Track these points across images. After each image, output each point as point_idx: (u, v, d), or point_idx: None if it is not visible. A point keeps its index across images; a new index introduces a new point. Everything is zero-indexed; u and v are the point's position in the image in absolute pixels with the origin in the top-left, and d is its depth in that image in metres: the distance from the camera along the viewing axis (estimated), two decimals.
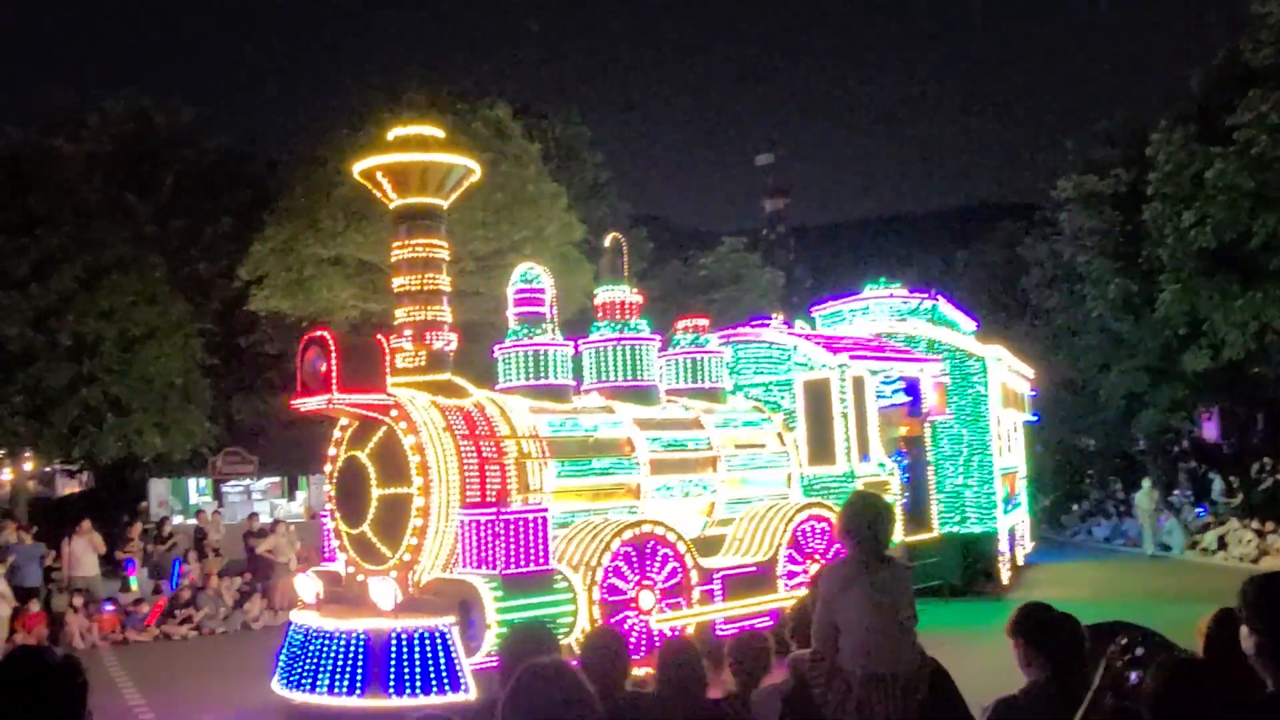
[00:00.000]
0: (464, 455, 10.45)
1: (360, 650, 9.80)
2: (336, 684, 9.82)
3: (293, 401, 10.76)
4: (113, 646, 16.41)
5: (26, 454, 24.88)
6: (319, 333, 10.42)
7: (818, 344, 13.80)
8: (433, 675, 9.61)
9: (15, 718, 2.18)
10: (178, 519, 24.43)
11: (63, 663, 2.33)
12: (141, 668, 14.14)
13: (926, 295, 17.57)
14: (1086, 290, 24.15)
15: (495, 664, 9.86)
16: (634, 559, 10.88)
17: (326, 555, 11.63)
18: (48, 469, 29.98)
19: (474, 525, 10.09)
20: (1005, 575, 17.32)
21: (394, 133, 11.30)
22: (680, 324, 14.01)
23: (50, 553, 18.26)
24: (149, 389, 23.57)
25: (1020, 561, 20.01)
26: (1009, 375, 18.61)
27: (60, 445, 23.50)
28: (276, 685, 10.40)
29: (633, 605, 10.79)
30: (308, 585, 10.94)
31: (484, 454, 10.60)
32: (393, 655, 9.66)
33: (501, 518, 10.02)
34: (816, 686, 4.37)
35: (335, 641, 9.98)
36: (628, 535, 10.85)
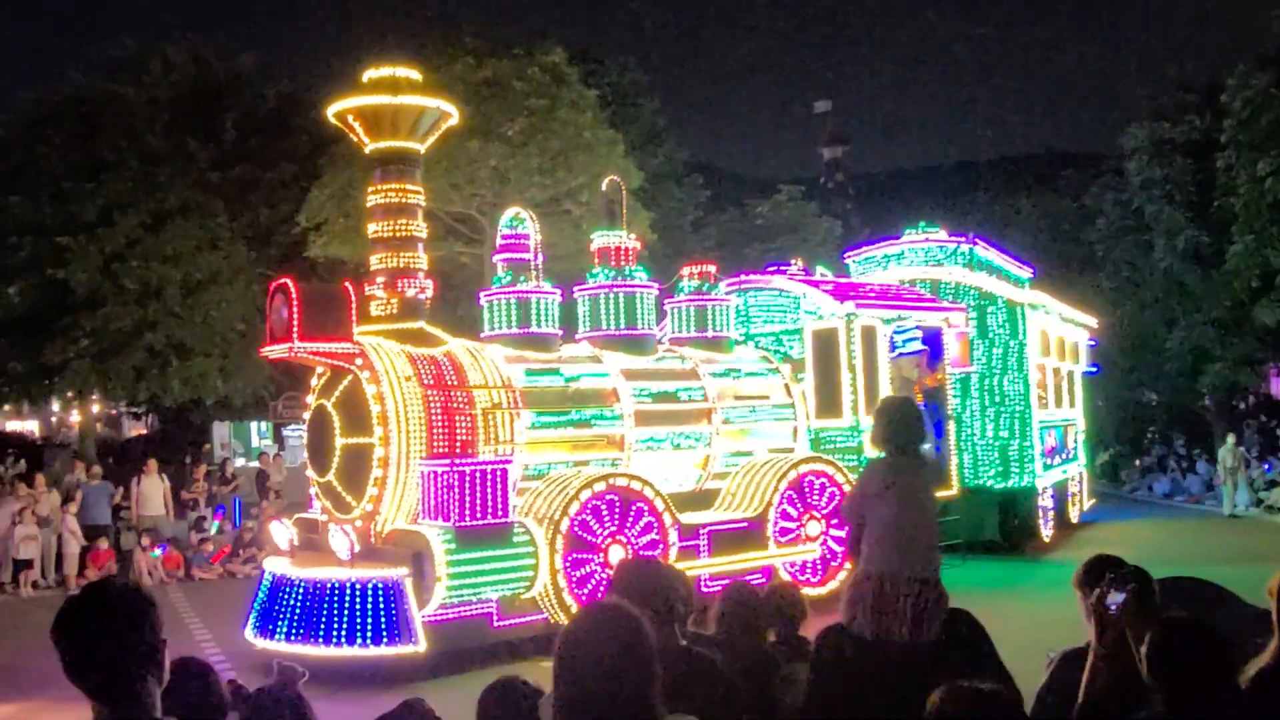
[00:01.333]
0: (429, 405, 10.27)
1: (315, 598, 9.78)
2: (293, 632, 9.84)
3: (261, 350, 10.73)
4: (178, 583, 16.89)
5: (94, 397, 25.76)
6: (283, 280, 10.32)
7: (826, 291, 13.16)
8: (384, 626, 9.54)
9: (95, 646, 2.23)
10: (240, 461, 25.06)
11: (136, 593, 2.36)
12: (206, 604, 14.46)
13: (964, 240, 16.67)
14: (1154, 241, 22.85)
15: (447, 617, 9.80)
16: (603, 513, 10.60)
17: (310, 504, 11.65)
18: (114, 411, 31.13)
19: (432, 476, 9.94)
20: (1047, 533, 16.55)
21: (367, 74, 11.04)
22: (685, 270, 13.54)
23: (118, 491, 18.83)
24: (211, 333, 24.09)
25: (1074, 518, 19.14)
26: (1057, 324, 17.64)
27: (126, 388, 24.24)
28: (248, 632, 10.45)
29: (602, 560, 10.53)
30: (282, 532, 10.98)
31: (451, 404, 10.41)
32: (345, 605, 9.62)
33: (456, 469, 9.83)
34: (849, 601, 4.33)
35: (295, 589, 9.99)
36: (598, 488, 10.56)
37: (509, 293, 11.75)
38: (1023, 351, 15.81)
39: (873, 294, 13.32)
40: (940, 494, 13.66)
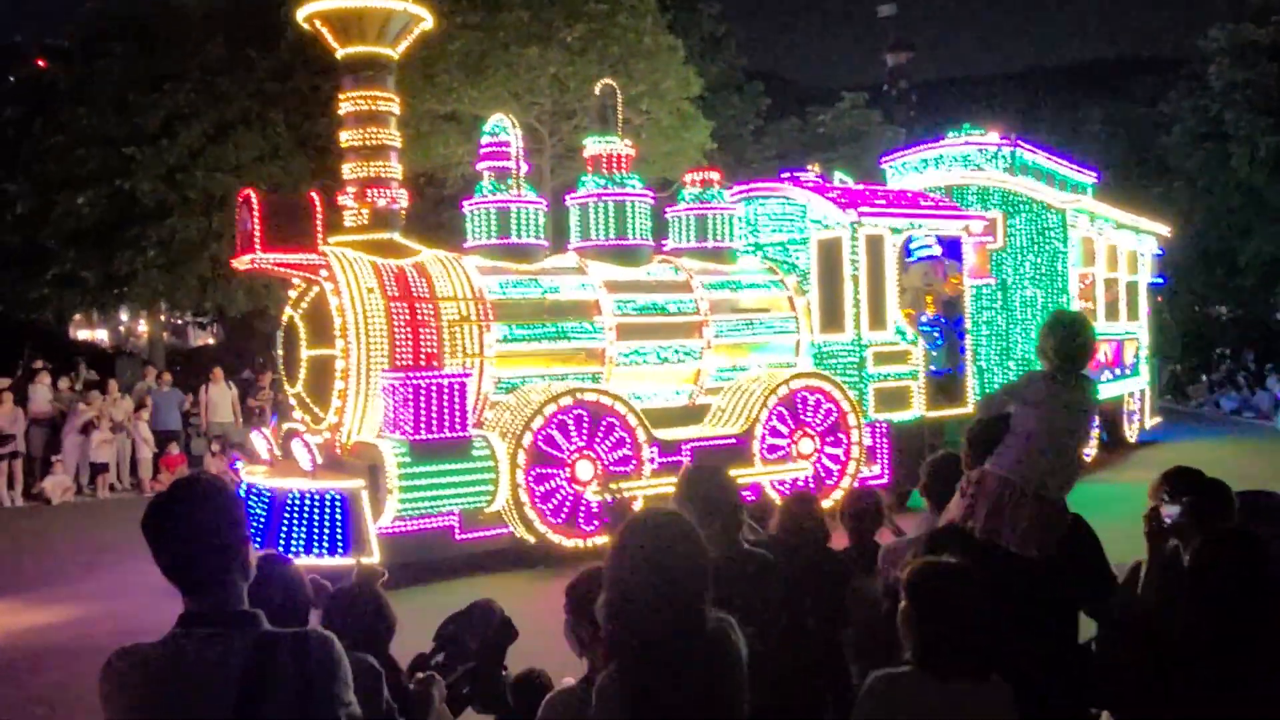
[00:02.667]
0: (393, 316, 10.17)
1: (277, 509, 9.88)
2: (257, 541, 9.99)
3: (232, 261, 10.74)
4: None
5: (161, 306, 26.51)
6: (246, 191, 10.27)
7: (830, 199, 12.52)
8: (339, 537, 9.61)
9: (186, 538, 2.35)
10: None
11: (224, 488, 2.48)
12: None
13: (1005, 141, 15.67)
14: (1232, 149, 21.17)
15: (404, 530, 9.82)
16: (570, 427, 10.41)
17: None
18: (181, 321, 32.01)
19: (391, 389, 9.88)
20: (1089, 453, 15.77)
21: None
22: (687, 177, 13.05)
23: (187, 399, 19.44)
24: None
25: (1130, 437, 18.24)
26: (1112, 232, 16.57)
27: (192, 298, 24.88)
28: None
29: (568, 475, 10.38)
30: (261, 443, 11.10)
31: (415, 316, 10.28)
32: (302, 515, 9.71)
33: (411, 382, 9.75)
34: (964, 499, 4.30)
35: (261, 499, 10.12)
36: (564, 402, 10.36)
37: (488, 203, 11.50)
38: (1064, 260, 14.93)
39: (880, 201, 12.61)
40: (953, 412, 13.12)
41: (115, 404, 18.01)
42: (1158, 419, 19.95)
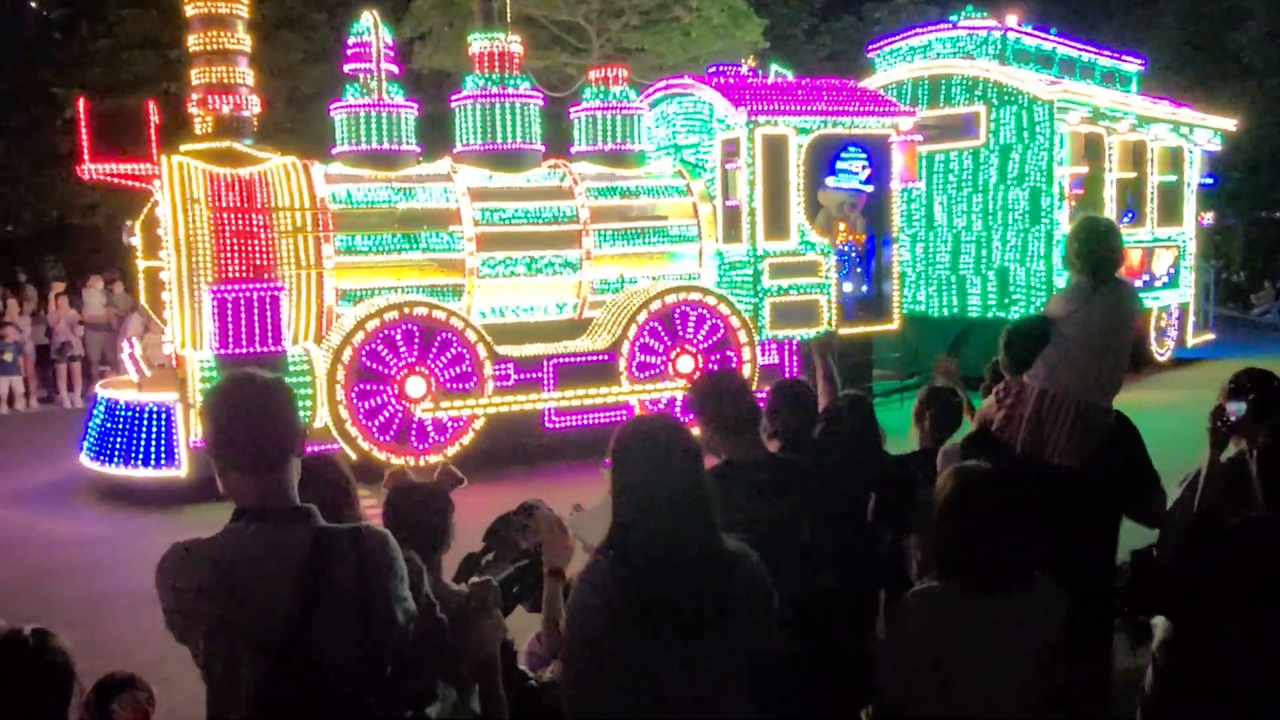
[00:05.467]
0: (219, 227, 9.98)
1: (110, 419, 10.02)
2: (90, 450, 10.20)
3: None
4: None
5: None
6: (77, 100, 10.21)
7: (727, 95, 11.49)
8: (153, 449, 9.68)
9: (248, 425, 2.37)
10: None
11: (279, 379, 2.55)
12: None
13: (995, 28, 14.06)
14: None
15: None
16: (398, 343, 10.08)
17: None
18: None
19: (209, 302, 9.76)
20: None
21: None
22: (592, 74, 12.25)
23: None
24: (321, 147, 24.73)
25: (1162, 356, 16.54)
26: (1129, 127, 14.72)
27: None
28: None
29: (395, 393, 10.08)
30: (128, 354, 11.23)
31: (244, 227, 10.07)
32: (124, 426, 9.81)
33: (218, 295, 9.60)
34: (1001, 408, 4.29)
35: (97, 409, 10.29)
36: (389, 317, 10.02)
37: (348, 107, 11.10)
38: (1048, 159, 13.45)
39: (781, 96, 11.49)
40: (876, 328, 12.12)
41: None
42: (1207, 335, 17.98)
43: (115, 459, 9.81)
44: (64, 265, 25.27)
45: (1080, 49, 15.58)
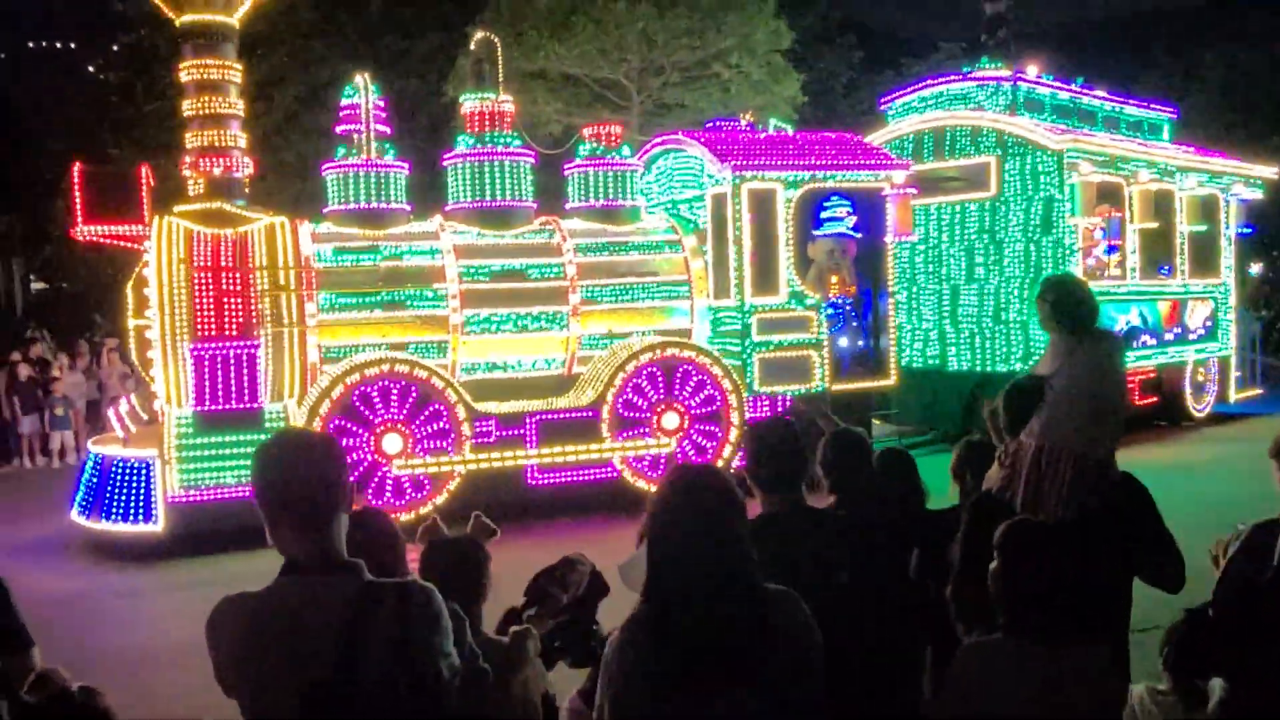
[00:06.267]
0: (199, 286, 10.16)
1: (98, 474, 10.22)
2: (79, 505, 10.39)
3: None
4: None
5: None
6: (73, 164, 10.54)
7: (713, 150, 11.43)
8: (132, 505, 9.83)
9: (297, 482, 2.45)
10: None
11: (329, 436, 2.94)
12: None
13: (1006, 79, 13.83)
14: None
15: (195, 499, 9.88)
16: (376, 400, 10.13)
17: None
18: None
19: (189, 359, 9.93)
20: None
21: None
22: (585, 131, 12.31)
23: None
24: None
25: (1199, 412, 15.92)
26: (1149, 176, 14.29)
27: None
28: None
29: (372, 449, 10.12)
30: (113, 417, 11.45)
31: (226, 286, 10.24)
32: (108, 481, 9.99)
33: (196, 352, 9.76)
34: (1003, 469, 4.36)
35: (87, 464, 10.50)
36: (369, 373, 10.10)
37: (338, 167, 11.30)
38: (1058, 208, 13.15)
39: (769, 151, 11.39)
40: (871, 384, 11.87)
41: None
42: (1254, 390, 17.27)
43: (98, 514, 9.98)
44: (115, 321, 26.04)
45: (1103, 99, 15.24)
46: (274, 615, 2.34)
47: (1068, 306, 4.28)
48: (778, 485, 3.48)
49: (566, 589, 3.76)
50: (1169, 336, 15.14)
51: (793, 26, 24.93)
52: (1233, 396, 16.62)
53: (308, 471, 2.42)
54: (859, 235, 11.71)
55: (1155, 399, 15.37)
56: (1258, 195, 16.91)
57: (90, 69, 27.24)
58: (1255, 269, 18.05)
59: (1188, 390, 15.79)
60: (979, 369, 14.08)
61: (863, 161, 11.61)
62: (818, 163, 11.42)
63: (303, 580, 2.39)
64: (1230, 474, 12.17)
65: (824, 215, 11.66)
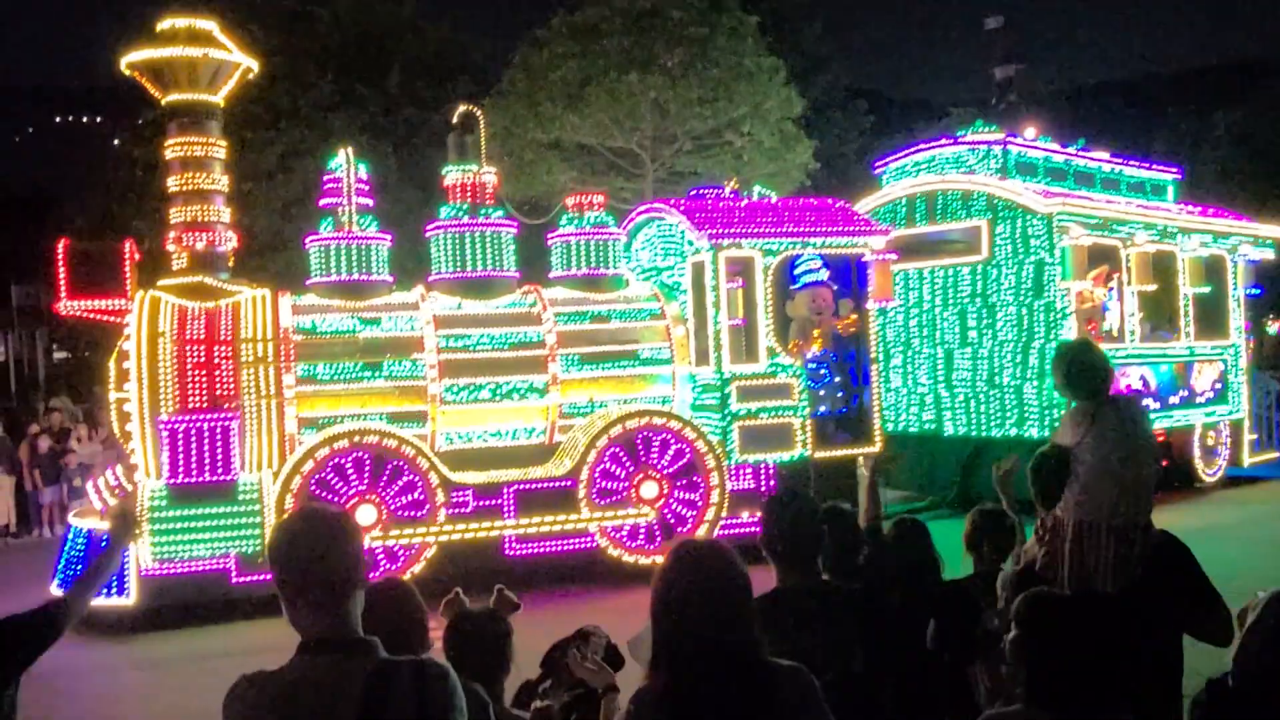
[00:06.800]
0: (181, 359, 10.28)
1: (72, 547, 10.30)
2: (58, 578, 10.44)
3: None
4: None
5: None
6: (59, 240, 10.77)
7: (691, 219, 11.46)
8: (111, 578, 9.83)
9: (313, 563, 2.52)
10: None
11: (343, 514, 2.82)
12: None
13: (996, 142, 13.80)
14: None
15: (168, 571, 9.89)
16: (348, 471, 10.15)
17: None
18: None
19: (162, 432, 10.01)
20: None
21: (159, 26, 11.02)
22: (569, 201, 12.41)
23: None
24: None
25: (1210, 476, 15.56)
26: (1146, 238, 14.12)
27: None
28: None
29: None
30: (91, 490, 11.52)
31: (204, 358, 10.36)
32: (84, 553, 10.05)
33: (168, 425, 9.85)
34: (1041, 546, 4.37)
35: (66, 538, 10.58)
36: (340, 445, 10.12)
37: (321, 240, 11.44)
38: (1048, 271, 13.04)
39: (748, 218, 11.40)
40: (857, 451, 11.71)
41: None
42: (1270, 454, 16.84)
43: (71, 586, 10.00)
44: None
45: (1101, 160, 15.15)
46: (291, 694, 2.37)
47: (1082, 372, 4.28)
48: (794, 560, 3.51)
49: (581, 662, 3.75)
50: (1174, 400, 14.85)
51: (804, 94, 25.32)
52: (1246, 460, 16.23)
53: (322, 549, 2.46)
54: (834, 286, 11.72)
55: (1164, 463, 15.03)
56: (1268, 255, 16.67)
57: (116, 143, 27.95)
58: (1276, 327, 17.68)
59: (1197, 454, 15.45)
60: (975, 434, 13.88)
61: (842, 228, 11.59)
62: (796, 230, 11.41)
63: (319, 659, 2.42)
64: (1244, 540, 11.84)
65: (798, 271, 11.68)
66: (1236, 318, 15.89)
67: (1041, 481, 4.23)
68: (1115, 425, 4.18)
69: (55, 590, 10.55)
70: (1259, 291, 16.43)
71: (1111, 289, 14.30)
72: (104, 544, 9.78)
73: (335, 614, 2.45)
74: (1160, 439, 14.88)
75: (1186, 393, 15.07)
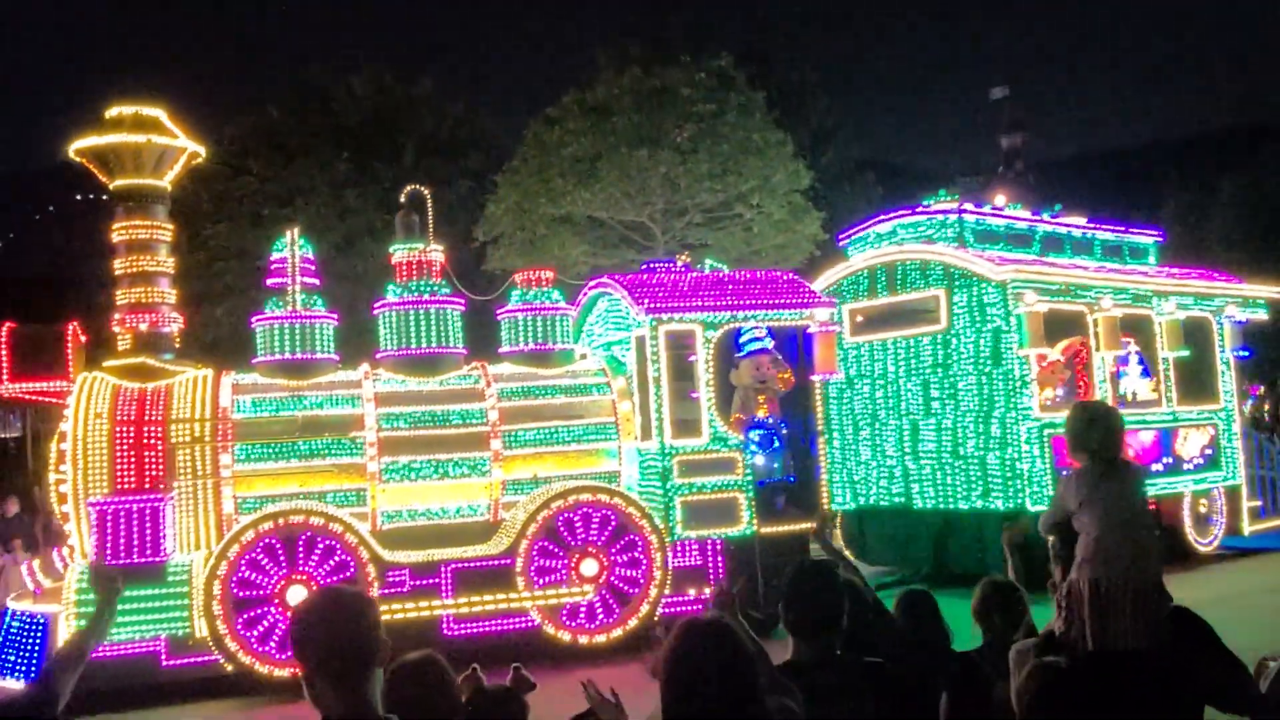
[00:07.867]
0: (116, 440, 10.35)
1: (6, 631, 10.28)
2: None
3: None
4: None
5: None
6: (3, 324, 10.93)
7: (632, 294, 11.41)
8: (32, 661, 9.83)
9: (333, 641, 2.64)
10: None
11: (361, 593, 3.00)
12: None
13: (954, 211, 13.67)
14: None
15: (93, 655, 9.81)
16: (280, 551, 10.08)
17: None
18: None
19: (90, 513, 10.03)
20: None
21: (108, 113, 11.29)
22: (517, 277, 12.44)
23: None
24: None
25: (1204, 546, 15.03)
26: (1118, 302, 13.83)
27: None
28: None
29: (276, 602, 10.02)
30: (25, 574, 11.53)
31: (139, 439, 10.41)
32: (12, 638, 10.04)
33: (96, 506, 9.87)
34: (1059, 613, 4.46)
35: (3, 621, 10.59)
36: (264, 527, 10.06)
37: (266, 319, 11.53)
38: (1004, 339, 12.81)
39: (689, 292, 11.33)
40: (807, 526, 11.47)
41: None
42: (1276, 521, 16.24)
43: (3, 672, 9.99)
44: None
45: (1072, 225, 14.94)
46: None
47: (1089, 435, 4.34)
48: (811, 632, 3.50)
49: None
50: (1158, 467, 14.41)
51: (812, 166, 25.41)
52: (1247, 529, 15.66)
53: (340, 629, 2.54)
54: (778, 356, 11.59)
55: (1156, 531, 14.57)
56: (1260, 316, 16.28)
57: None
58: (1253, 393, 17.31)
59: (1188, 523, 14.95)
60: (943, 506, 13.56)
61: (786, 300, 11.48)
62: (738, 303, 11.32)
63: None
64: (1245, 614, 11.32)
65: (743, 340, 11.59)
66: (1226, 381, 15.49)
67: (1056, 549, 4.39)
68: (1118, 490, 4.30)
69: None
70: (1248, 354, 16.00)
71: (1132, 352, 14.13)
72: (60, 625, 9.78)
73: (352, 692, 2.50)
74: (1150, 506, 14.45)
75: (1171, 460, 14.64)
